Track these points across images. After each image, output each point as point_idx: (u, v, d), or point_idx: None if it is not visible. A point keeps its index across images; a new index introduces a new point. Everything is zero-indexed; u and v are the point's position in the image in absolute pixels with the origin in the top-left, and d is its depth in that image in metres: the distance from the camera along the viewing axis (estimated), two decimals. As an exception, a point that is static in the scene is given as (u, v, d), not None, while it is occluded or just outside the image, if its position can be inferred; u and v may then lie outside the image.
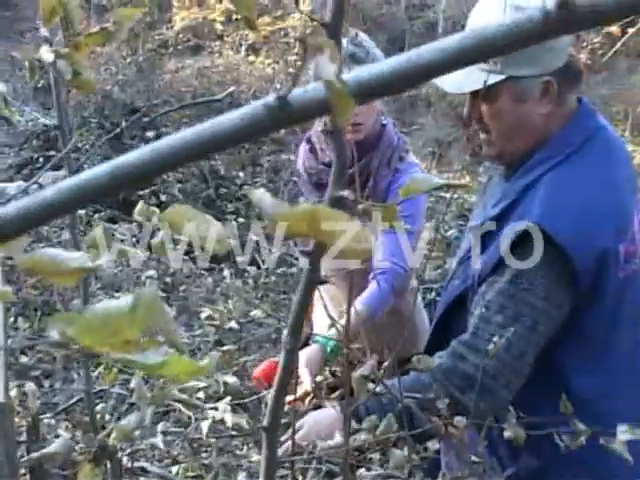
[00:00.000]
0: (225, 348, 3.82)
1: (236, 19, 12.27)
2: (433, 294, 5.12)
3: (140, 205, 0.86)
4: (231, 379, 2.36)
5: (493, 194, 1.99)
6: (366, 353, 1.65)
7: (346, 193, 0.80)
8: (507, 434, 1.48)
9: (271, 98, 0.41)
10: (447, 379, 1.75)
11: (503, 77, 1.79)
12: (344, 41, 2.38)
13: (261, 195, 0.45)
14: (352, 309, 1.29)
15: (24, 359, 3.74)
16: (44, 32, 0.90)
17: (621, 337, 1.88)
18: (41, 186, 1.01)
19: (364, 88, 0.41)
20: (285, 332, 2.84)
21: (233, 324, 4.42)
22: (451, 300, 1.98)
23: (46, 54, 0.88)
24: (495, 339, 1.67)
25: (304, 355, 2.32)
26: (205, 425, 1.93)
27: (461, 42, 0.39)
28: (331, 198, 0.82)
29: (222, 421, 1.94)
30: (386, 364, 1.48)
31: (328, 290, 2.72)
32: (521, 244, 1.75)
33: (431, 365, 1.53)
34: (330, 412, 1.88)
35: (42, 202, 0.42)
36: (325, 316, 1.60)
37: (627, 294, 1.87)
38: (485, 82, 1.68)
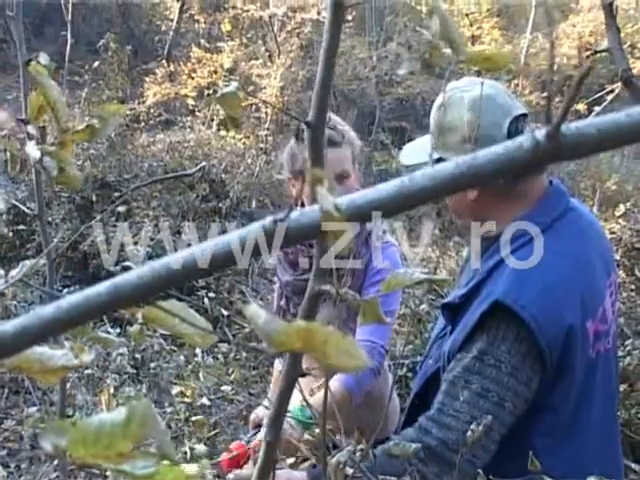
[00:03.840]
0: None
1: (208, 94, 12.35)
2: (404, 370, 5.10)
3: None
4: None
5: (467, 273, 2.02)
6: (338, 435, 1.63)
7: (328, 287, 0.81)
8: None
9: (268, 220, 0.42)
10: None
11: (435, 157, 1.82)
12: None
13: (255, 311, 0.46)
14: (329, 390, 1.29)
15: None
16: (30, 129, 0.91)
17: (593, 413, 1.88)
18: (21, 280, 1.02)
19: (362, 211, 0.42)
20: (253, 412, 2.74)
21: (204, 400, 4.38)
22: (425, 379, 2.00)
23: (33, 151, 0.89)
24: (460, 416, 1.68)
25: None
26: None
27: (454, 171, 0.41)
28: (313, 292, 0.83)
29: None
30: (360, 447, 1.47)
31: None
32: (488, 321, 1.76)
33: (408, 451, 1.52)
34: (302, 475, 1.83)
35: (41, 320, 0.43)
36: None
37: (598, 372, 1.88)
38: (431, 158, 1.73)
